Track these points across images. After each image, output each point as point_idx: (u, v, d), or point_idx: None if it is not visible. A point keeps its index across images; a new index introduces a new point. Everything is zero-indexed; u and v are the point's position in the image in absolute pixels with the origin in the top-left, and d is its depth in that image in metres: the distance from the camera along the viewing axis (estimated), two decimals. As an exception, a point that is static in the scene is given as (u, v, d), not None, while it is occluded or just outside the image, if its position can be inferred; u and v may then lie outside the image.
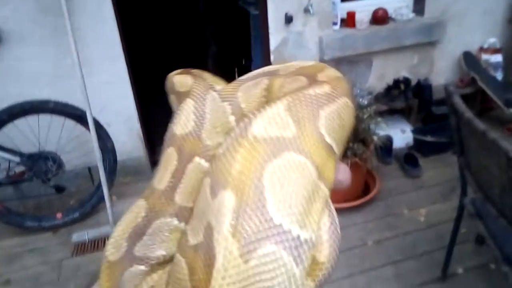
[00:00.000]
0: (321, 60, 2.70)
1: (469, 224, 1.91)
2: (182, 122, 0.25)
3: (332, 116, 0.23)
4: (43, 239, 2.20)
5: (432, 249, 1.94)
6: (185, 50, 4.20)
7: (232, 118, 0.27)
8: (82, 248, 2.04)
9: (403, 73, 2.90)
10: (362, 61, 2.83)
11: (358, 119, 2.23)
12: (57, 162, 2.26)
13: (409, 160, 2.57)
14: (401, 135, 2.77)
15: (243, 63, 4.21)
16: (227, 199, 0.19)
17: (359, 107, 2.32)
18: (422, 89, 2.82)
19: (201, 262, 0.19)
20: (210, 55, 3.53)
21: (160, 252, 0.24)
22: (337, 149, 0.24)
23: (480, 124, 1.18)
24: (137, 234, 0.23)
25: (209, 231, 0.19)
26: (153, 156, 2.79)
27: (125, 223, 0.24)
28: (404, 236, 2.04)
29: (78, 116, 2.14)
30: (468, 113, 1.26)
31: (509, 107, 2.60)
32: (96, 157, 2.05)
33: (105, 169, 2.10)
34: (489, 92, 2.73)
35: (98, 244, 2.06)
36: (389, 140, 2.58)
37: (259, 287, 0.18)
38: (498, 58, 2.85)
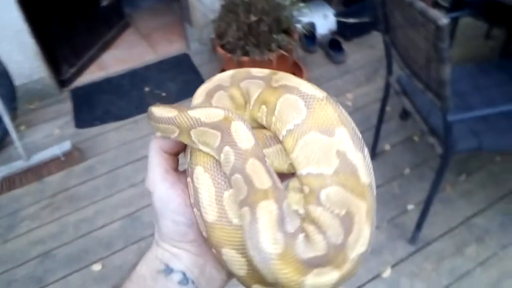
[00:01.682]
0: None
1: (393, 102, 1.97)
2: (246, 139, 0.32)
3: None
4: None
5: (361, 130, 1.97)
6: None
7: None
8: (-5, 188, 1.82)
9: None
10: None
11: (280, 7, 2.08)
12: None
13: (333, 46, 2.52)
14: (323, 21, 2.68)
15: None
16: (344, 132, 0.31)
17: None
18: (341, -32, 2.68)
19: (348, 175, 0.30)
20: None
21: (300, 215, 0.31)
22: None
23: (406, -6, 1.11)
24: (282, 220, 0.30)
25: (342, 154, 0.30)
26: (59, 75, 2.46)
27: (268, 222, 0.29)
28: (334, 122, 2.06)
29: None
30: (393, -16, 1.17)
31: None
32: (-13, 84, 1.74)
33: (1, 96, 1.80)
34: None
35: (14, 181, 1.84)
36: (312, 27, 2.48)
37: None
38: None
